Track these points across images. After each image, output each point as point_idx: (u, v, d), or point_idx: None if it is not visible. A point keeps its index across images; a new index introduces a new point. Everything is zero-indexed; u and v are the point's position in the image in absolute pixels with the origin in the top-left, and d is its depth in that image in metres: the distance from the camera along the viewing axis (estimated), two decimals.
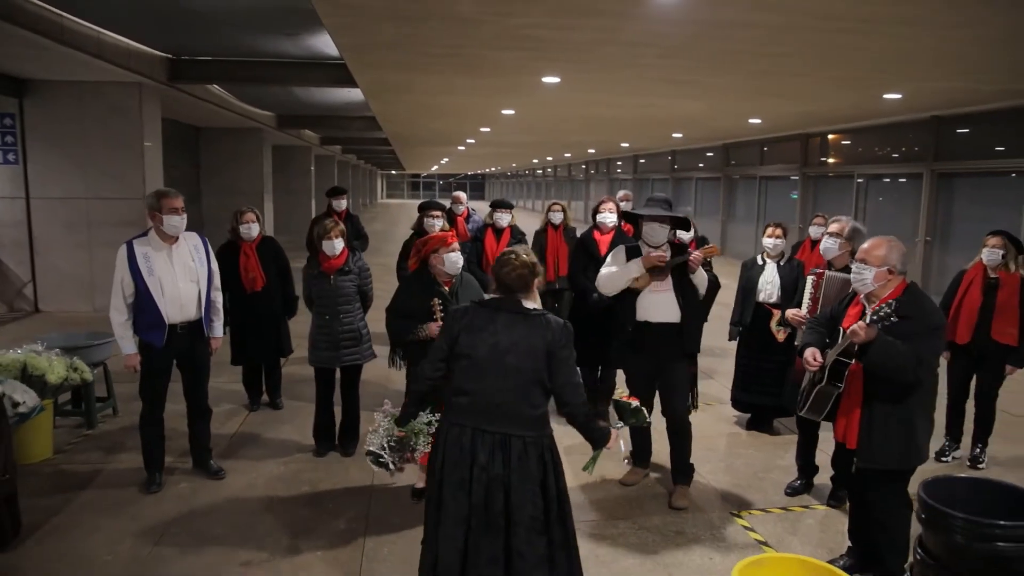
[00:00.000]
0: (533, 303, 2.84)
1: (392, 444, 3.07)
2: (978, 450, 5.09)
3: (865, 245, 3.39)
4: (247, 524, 4.00)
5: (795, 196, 15.55)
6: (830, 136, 14.79)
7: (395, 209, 44.85)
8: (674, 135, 17.51)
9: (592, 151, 25.61)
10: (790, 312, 4.69)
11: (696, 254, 4.15)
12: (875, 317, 3.06)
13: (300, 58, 9.54)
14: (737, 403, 5.75)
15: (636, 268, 4.22)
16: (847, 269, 4.32)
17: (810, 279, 4.58)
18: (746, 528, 4.13)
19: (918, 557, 2.35)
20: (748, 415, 5.80)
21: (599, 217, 5.57)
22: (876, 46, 6.41)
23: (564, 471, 2.88)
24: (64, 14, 7.02)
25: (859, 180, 13.61)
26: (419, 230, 5.83)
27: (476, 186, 68.84)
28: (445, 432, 2.79)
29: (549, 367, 2.72)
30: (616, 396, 3.20)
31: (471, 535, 2.70)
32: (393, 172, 62.43)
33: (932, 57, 6.90)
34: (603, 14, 5.35)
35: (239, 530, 3.92)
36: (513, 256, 2.86)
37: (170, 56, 9.46)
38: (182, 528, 3.93)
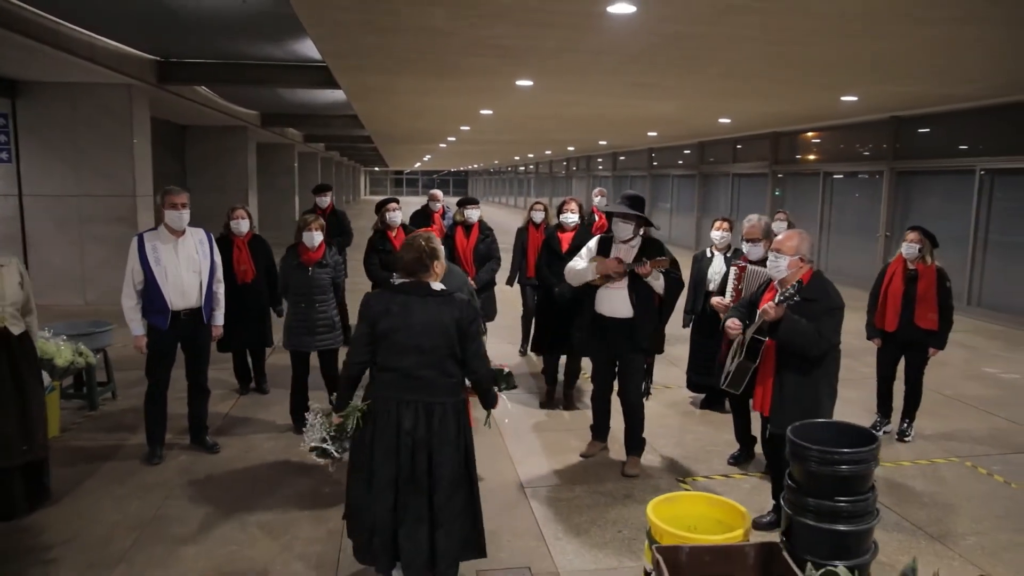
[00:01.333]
0: (438, 284, 3.17)
1: (332, 435, 3.40)
2: (905, 425, 5.61)
3: (779, 237, 3.89)
4: (241, 490, 4.45)
5: (779, 193, 16.03)
6: (799, 135, 15.35)
7: None
8: (649, 133, 18.02)
9: (571, 148, 26.10)
10: (714, 300, 5.08)
11: (646, 268, 4.51)
12: (781, 297, 3.56)
13: (285, 61, 9.93)
14: (691, 384, 6.24)
15: (590, 272, 4.69)
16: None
17: (733, 270, 5.06)
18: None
19: (787, 484, 2.86)
20: (702, 395, 6.30)
21: (562, 217, 6.02)
22: (820, 55, 6.93)
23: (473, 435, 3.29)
24: (60, 21, 7.39)
25: (838, 176, 14.15)
26: (381, 227, 6.28)
27: (459, 183, 69.12)
28: (373, 406, 3.15)
29: (460, 341, 3.08)
30: (493, 365, 3.55)
31: (399, 495, 3.09)
32: (376, 169, 62.61)
33: (873, 64, 7.43)
34: (563, 27, 5.83)
35: (234, 495, 4.37)
36: (412, 242, 3.17)
37: (159, 59, 9.82)
38: (183, 493, 4.38)
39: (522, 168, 43.37)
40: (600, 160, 28.12)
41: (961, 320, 10.22)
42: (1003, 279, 10.40)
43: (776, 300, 3.58)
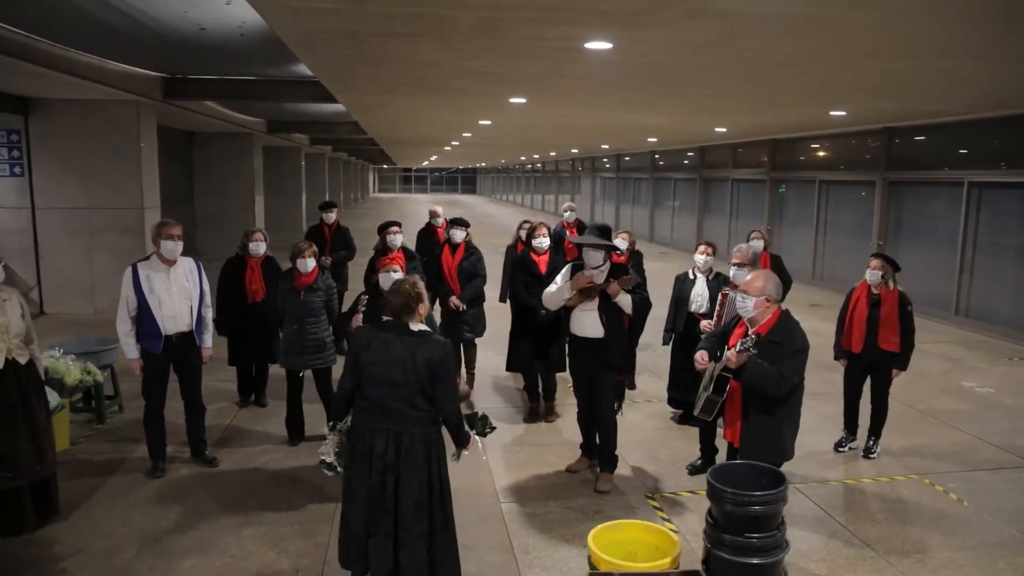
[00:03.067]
0: (418, 324, 3.46)
1: (337, 451, 3.73)
2: (871, 442, 5.86)
3: (747, 278, 4.13)
4: (237, 502, 4.77)
5: (783, 190, 16.19)
6: (797, 143, 15.51)
7: (386, 204, 45.43)
8: (649, 139, 18.25)
9: (575, 151, 26.35)
10: (703, 323, 5.44)
11: (614, 286, 4.82)
12: (741, 348, 3.79)
13: (287, 77, 10.24)
14: (671, 400, 6.52)
15: (566, 291, 4.99)
16: None
17: (720, 295, 5.41)
18: (656, 508, 4.90)
19: (708, 522, 3.16)
20: (681, 411, 6.57)
21: (535, 242, 6.28)
22: (798, 81, 7.18)
23: (447, 465, 3.56)
24: (69, 48, 7.72)
25: (833, 184, 14.33)
26: (382, 248, 6.57)
27: (468, 180, 69.42)
28: (353, 430, 3.52)
29: (431, 379, 3.34)
30: (470, 411, 3.86)
31: (370, 511, 3.42)
32: (384, 166, 62.96)
33: (853, 88, 7.67)
34: (546, 59, 6.11)
35: (230, 508, 4.70)
36: (399, 287, 3.48)
37: (165, 75, 10.15)
38: (183, 506, 4.71)
39: (529, 167, 43.61)
40: (606, 160, 28.35)
41: (947, 330, 10.50)
42: (989, 290, 10.61)
43: (737, 349, 3.81)
